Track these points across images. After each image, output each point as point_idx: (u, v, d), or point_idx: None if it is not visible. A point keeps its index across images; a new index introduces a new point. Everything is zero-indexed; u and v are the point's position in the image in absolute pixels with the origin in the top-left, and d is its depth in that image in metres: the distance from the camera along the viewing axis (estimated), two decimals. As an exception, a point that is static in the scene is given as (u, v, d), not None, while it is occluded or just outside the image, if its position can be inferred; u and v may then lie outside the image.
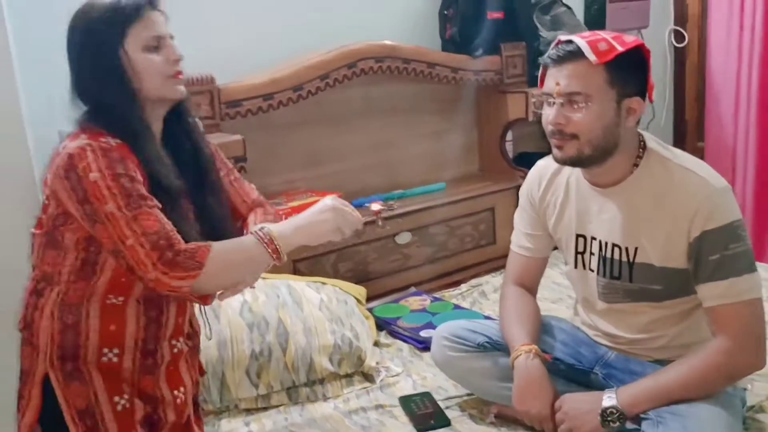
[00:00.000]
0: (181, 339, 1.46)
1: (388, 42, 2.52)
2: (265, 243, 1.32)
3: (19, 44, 1.99)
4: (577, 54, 1.48)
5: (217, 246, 1.29)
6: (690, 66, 3.62)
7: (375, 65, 2.47)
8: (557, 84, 1.50)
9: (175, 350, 1.44)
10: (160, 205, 1.28)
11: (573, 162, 1.56)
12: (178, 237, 1.26)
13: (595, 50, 1.46)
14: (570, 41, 1.50)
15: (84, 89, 1.32)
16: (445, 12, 2.79)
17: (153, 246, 1.22)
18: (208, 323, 1.68)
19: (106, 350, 1.33)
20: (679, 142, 3.66)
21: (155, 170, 1.30)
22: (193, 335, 1.53)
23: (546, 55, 1.55)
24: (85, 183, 1.22)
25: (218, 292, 1.37)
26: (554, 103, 1.51)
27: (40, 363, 1.32)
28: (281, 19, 2.50)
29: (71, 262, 1.31)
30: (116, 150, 1.25)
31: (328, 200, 1.41)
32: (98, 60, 1.29)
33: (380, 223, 1.64)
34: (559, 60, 1.50)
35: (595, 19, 3.26)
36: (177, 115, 1.41)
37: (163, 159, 1.33)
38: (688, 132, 3.70)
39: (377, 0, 2.72)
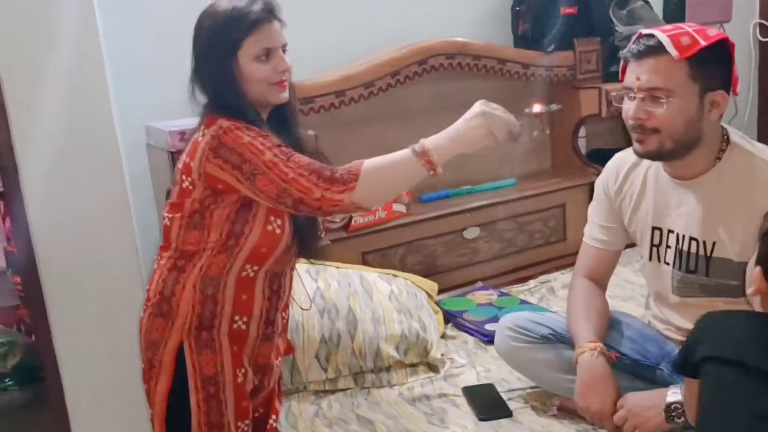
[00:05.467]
0: (287, 311, 1.61)
1: (459, 39, 2.54)
2: (419, 155, 1.38)
3: (109, 43, 2.11)
4: (658, 49, 1.46)
5: (370, 160, 1.39)
6: (776, 60, 3.48)
7: (446, 62, 2.50)
8: (638, 79, 1.49)
9: (284, 321, 1.60)
10: None
11: (654, 156, 1.56)
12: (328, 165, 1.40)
13: (677, 45, 1.45)
14: (651, 35, 1.49)
15: (202, 83, 1.47)
16: (518, 8, 2.78)
17: (311, 171, 1.36)
18: (307, 293, 1.85)
19: (237, 318, 1.47)
20: (763, 139, 3.51)
21: None
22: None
23: (626, 49, 1.54)
24: (239, 148, 1.36)
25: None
26: (635, 97, 1.50)
27: (175, 332, 1.45)
28: (354, 18, 2.57)
29: (216, 238, 1.44)
30: (252, 126, 1.40)
31: (477, 106, 1.42)
32: (214, 62, 1.42)
33: (539, 126, 1.53)
34: (640, 55, 1.49)
35: (675, 14, 3.17)
36: (280, 111, 1.54)
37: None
38: (773, 129, 3.56)
39: (450, -3, 2.75)
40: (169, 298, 1.46)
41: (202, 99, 1.49)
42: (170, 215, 1.47)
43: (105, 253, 2.07)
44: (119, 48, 2.19)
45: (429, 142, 1.39)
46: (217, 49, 1.42)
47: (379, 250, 2.44)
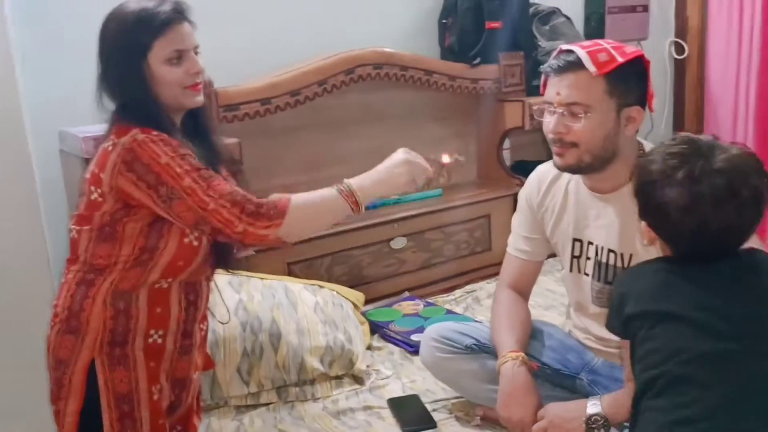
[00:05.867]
0: (205, 323, 1.56)
1: (386, 49, 2.55)
2: (345, 195, 1.39)
3: (20, 44, 2.02)
4: (577, 64, 1.50)
5: (297, 197, 1.38)
6: (690, 78, 3.64)
7: (373, 72, 2.50)
8: (558, 94, 1.52)
9: (202, 333, 1.55)
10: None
11: (572, 169, 1.59)
12: (250, 194, 1.36)
13: (595, 61, 1.49)
14: (571, 51, 1.52)
15: (110, 88, 1.40)
16: (444, 21, 2.82)
17: (233, 203, 1.32)
18: (227, 306, 1.81)
19: (152, 332, 1.42)
20: (678, 153, 3.68)
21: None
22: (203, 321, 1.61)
23: (547, 64, 1.57)
24: (155, 167, 1.31)
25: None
26: (555, 112, 1.53)
27: (85, 350, 1.38)
28: (281, 25, 2.54)
29: (128, 252, 1.37)
30: (169, 138, 1.35)
31: (401, 154, 1.47)
32: (123, 66, 1.37)
33: (446, 175, 1.60)
34: (560, 70, 1.53)
35: (595, 30, 3.28)
36: (196, 116, 1.49)
37: (191, 148, 1.41)
38: (687, 144, 3.71)
39: (378, 8, 2.75)
40: (78, 314, 1.39)
41: (110, 105, 1.42)
42: (78, 227, 1.40)
43: (14, 265, 1.97)
44: (31, 52, 2.09)
45: (354, 183, 1.42)
46: (126, 52, 1.36)
47: (305, 261, 2.40)
